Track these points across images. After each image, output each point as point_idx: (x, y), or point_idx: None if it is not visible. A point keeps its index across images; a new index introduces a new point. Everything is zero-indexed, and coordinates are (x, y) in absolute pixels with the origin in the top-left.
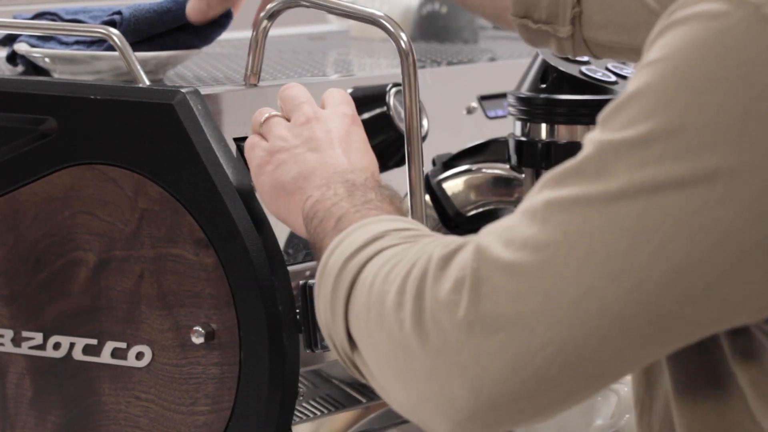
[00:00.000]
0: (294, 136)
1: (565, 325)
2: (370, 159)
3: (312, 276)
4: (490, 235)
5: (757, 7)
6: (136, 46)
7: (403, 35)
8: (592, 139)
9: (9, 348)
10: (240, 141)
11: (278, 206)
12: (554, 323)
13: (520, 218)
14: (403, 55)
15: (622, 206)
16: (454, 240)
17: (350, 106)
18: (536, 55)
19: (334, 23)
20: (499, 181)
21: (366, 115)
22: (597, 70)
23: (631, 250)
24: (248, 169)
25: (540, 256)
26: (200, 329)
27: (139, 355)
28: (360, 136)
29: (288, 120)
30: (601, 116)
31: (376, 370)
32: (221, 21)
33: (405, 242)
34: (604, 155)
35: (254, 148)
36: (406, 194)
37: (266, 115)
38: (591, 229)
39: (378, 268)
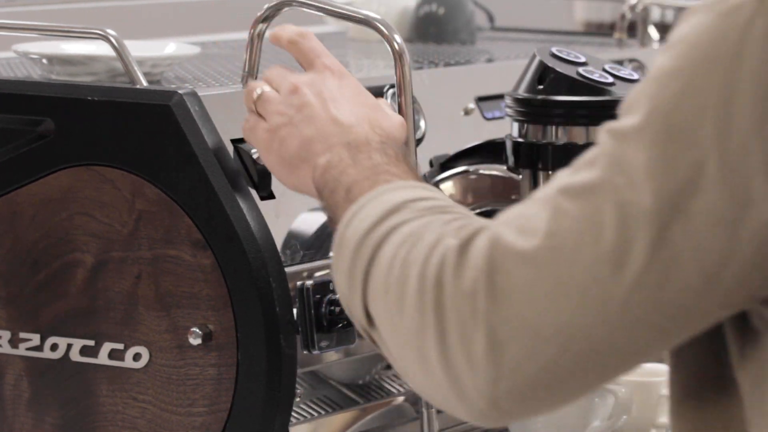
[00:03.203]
0: (287, 107)
1: (575, 314)
2: (366, 110)
3: (309, 277)
4: (504, 223)
5: (762, 1)
6: None
7: (396, 37)
8: (608, 126)
9: (6, 349)
10: (237, 142)
11: (293, 182)
12: (563, 311)
13: (534, 205)
14: (397, 56)
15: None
16: (467, 224)
17: (329, 57)
18: (533, 56)
19: (332, 25)
20: (497, 183)
21: None
22: (594, 72)
23: (633, 238)
24: (246, 168)
25: (550, 243)
26: (198, 330)
27: (137, 357)
28: (350, 87)
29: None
30: (621, 106)
31: (395, 351)
32: None
33: (421, 216)
34: (614, 143)
35: (255, 130)
36: None
37: (258, 91)
38: (600, 216)
39: (396, 249)
